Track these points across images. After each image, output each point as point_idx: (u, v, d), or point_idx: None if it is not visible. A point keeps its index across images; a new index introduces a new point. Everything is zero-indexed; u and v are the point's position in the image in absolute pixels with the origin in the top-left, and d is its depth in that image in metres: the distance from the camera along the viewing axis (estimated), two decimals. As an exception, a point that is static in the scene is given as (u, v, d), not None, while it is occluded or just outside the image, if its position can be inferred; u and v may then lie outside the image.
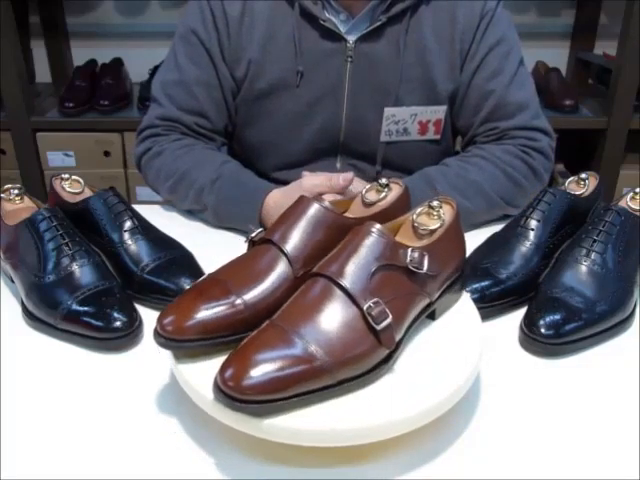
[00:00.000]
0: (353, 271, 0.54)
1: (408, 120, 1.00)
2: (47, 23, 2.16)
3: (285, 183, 0.99)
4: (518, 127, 0.99)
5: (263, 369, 0.49)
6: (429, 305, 0.60)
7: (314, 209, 0.62)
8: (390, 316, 0.53)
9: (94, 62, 2.14)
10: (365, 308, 0.53)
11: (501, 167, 0.95)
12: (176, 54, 1.01)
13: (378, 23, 0.95)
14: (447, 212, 0.65)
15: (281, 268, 0.59)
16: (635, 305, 0.73)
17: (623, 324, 0.71)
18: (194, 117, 1.01)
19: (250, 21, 0.97)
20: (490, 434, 0.58)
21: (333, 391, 0.52)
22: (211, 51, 0.98)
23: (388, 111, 0.99)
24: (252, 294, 0.57)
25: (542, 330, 0.67)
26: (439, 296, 0.61)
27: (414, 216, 0.65)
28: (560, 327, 0.67)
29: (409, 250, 0.57)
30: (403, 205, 0.71)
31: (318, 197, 0.65)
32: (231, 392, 0.49)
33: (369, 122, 1.01)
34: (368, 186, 0.72)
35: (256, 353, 0.50)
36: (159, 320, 0.55)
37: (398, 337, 0.55)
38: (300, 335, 0.51)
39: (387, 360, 0.55)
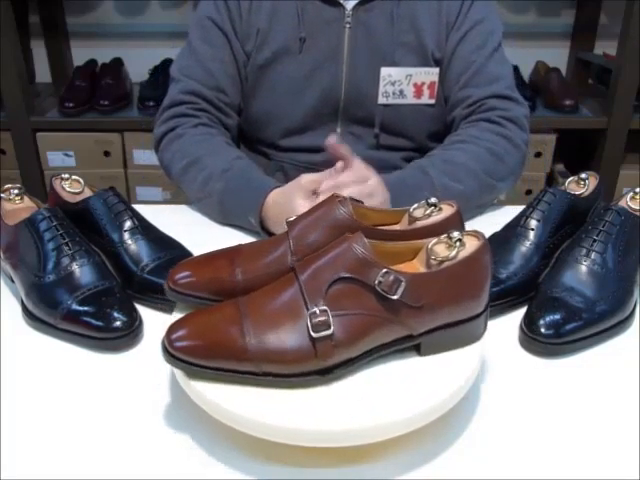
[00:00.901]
0: (317, 274, 0.53)
1: (404, 82, 1.05)
2: (47, 23, 2.16)
3: (292, 150, 1.09)
4: (493, 95, 1.03)
5: (197, 334, 0.53)
6: (410, 337, 0.56)
7: (335, 211, 0.62)
8: (332, 329, 0.51)
9: (94, 62, 2.14)
10: (309, 312, 0.52)
11: (481, 145, 0.99)
12: (191, 41, 1.07)
13: None
14: (470, 246, 0.57)
15: (284, 256, 0.62)
16: (635, 305, 0.73)
17: (623, 324, 0.71)
18: (214, 92, 1.05)
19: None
20: (490, 434, 0.58)
21: (258, 380, 0.52)
22: (225, 29, 1.04)
23: (384, 71, 1.04)
24: (250, 271, 0.61)
25: (542, 330, 0.67)
26: (428, 332, 0.56)
27: (430, 244, 0.58)
28: (560, 327, 0.67)
29: (382, 271, 0.52)
30: (450, 227, 0.62)
31: (344, 200, 0.64)
32: (168, 347, 0.53)
33: (367, 85, 1.05)
34: (416, 205, 0.67)
35: (201, 319, 0.55)
36: (171, 273, 0.62)
37: (346, 355, 0.53)
38: (246, 317, 0.53)
39: (322, 373, 0.53)
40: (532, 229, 0.77)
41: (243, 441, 0.55)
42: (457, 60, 1.04)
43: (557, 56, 2.24)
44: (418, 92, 1.06)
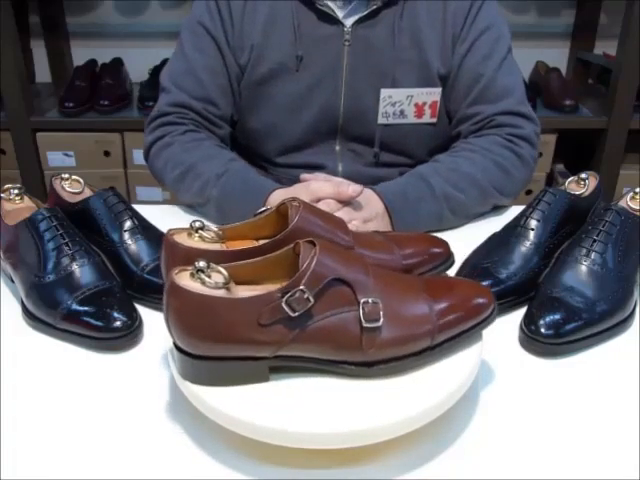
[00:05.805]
0: None
1: (404, 102, 1.02)
2: (47, 23, 2.17)
3: (289, 167, 1.06)
4: (503, 112, 1.01)
5: None
6: None
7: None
8: None
9: (94, 62, 2.14)
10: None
11: (490, 157, 0.97)
12: (183, 46, 1.04)
13: (374, 7, 0.98)
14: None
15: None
16: (635, 305, 0.73)
17: (623, 324, 0.71)
18: (202, 104, 1.03)
19: (252, 8, 1.01)
20: (490, 434, 0.58)
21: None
22: (217, 39, 1.01)
23: (385, 92, 1.01)
24: None
25: (542, 330, 0.67)
26: None
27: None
28: (560, 327, 0.67)
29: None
30: None
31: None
32: None
33: (367, 104, 1.03)
34: None
35: None
36: None
37: None
38: None
39: None
40: (532, 229, 0.77)
41: (242, 442, 0.55)
42: (464, 73, 1.01)
43: (557, 56, 2.24)
44: (419, 112, 1.03)
